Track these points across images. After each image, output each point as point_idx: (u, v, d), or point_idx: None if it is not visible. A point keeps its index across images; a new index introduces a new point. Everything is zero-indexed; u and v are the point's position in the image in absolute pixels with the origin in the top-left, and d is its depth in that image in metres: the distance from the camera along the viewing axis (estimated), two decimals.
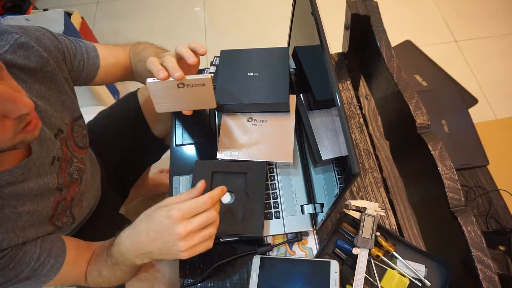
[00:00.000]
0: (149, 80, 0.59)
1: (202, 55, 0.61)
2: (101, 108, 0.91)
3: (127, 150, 0.95)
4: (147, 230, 0.53)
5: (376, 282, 0.61)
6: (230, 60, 0.80)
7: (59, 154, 0.61)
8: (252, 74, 0.77)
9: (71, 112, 0.66)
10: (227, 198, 0.68)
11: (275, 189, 0.73)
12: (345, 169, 0.51)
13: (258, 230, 0.65)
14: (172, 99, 0.62)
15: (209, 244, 0.54)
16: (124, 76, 0.80)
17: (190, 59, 0.59)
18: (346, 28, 0.85)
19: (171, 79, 0.58)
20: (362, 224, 0.62)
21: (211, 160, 0.74)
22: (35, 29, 0.61)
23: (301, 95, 0.79)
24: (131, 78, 0.82)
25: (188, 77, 0.58)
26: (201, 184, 0.57)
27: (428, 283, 0.60)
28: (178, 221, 0.51)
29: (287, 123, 0.75)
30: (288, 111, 0.76)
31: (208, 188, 0.57)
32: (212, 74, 0.83)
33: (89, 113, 0.76)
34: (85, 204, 0.74)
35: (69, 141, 0.66)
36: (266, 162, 0.73)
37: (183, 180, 0.75)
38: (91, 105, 1.32)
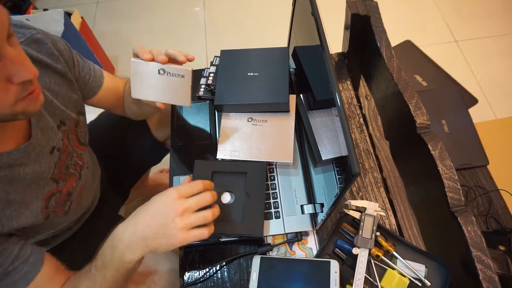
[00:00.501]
0: (133, 59, 0.61)
1: (190, 60, 0.64)
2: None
3: (127, 152, 0.95)
4: (143, 215, 0.53)
5: (376, 282, 0.61)
6: (230, 60, 0.80)
7: (60, 145, 0.62)
8: (252, 74, 0.77)
9: (76, 108, 0.68)
10: (227, 198, 0.69)
11: (275, 189, 0.73)
12: (345, 169, 0.51)
13: (258, 230, 0.65)
14: (150, 86, 0.63)
15: (205, 232, 0.53)
16: (117, 105, 0.82)
17: (181, 57, 0.61)
18: (346, 28, 0.85)
19: (154, 63, 0.60)
20: (362, 224, 0.62)
21: (211, 160, 0.74)
22: (55, 35, 0.65)
23: (301, 95, 0.79)
24: (120, 111, 0.84)
25: (171, 65, 0.60)
26: (186, 178, 0.61)
27: (428, 283, 0.60)
28: (176, 199, 0.52)
29: (287, 123, 0.75)
30: (288, 111, 0.76)
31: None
32: (212, 76, 0.83)
33: (90, 114, 0.77)
34: (83, 202, 0.74)
35: (71, 135, 0.66)
36: (266, 162, 0.73)
37: (183, 180, 0.75)
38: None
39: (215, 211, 0.55)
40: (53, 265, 0.59)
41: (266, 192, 0.72)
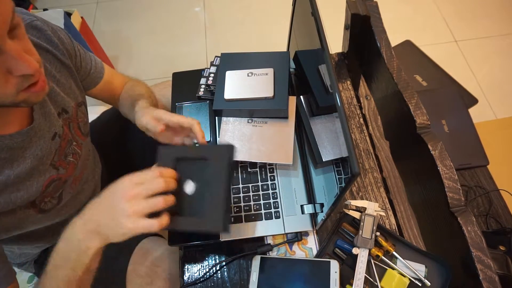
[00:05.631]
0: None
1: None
2: (104, 108, 0.91)
3: (128, 151, 0.95)
4: (95, 202, 0.51)
5: (376, 282, 0.61)
6: (230, 64, 0.80)
7: (60, 132, 0.62)
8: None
9: (76, 96, 0.68)
10: (190, 188, 0.58)
11: (275, 189, 0.73)
12: (345, 169, 0.51)
13: (216, 225, 0.55)
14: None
15: (155, 224, 0.48)
16: (113, 98, 0.83)
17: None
18: (346, 28, 0.85)
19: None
20: (362, 224, 0.62)
21: (176, 146, 0.66)
22: (56, 25, 0.65)
23: (301, 96, 0.78)
24: (115, 105, 0.85)
25: None
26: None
27: (428, 283, 0.60)
28: (126, 184, 0.50)
29: (287, 124, 0.75)
30: (286, 117, 0.76)
31: None
32: (212, 76, 0.83)
33: (92, 113, 0.77)
34: (80, 195, 0.73)
35: (73, 123, 0.67)
36: (233, 145, 0.60)
37: None
38: (94, 105, 1.32)
39: (168, 199, 0.50)
40: None
41: (266, 192, 0.72)
